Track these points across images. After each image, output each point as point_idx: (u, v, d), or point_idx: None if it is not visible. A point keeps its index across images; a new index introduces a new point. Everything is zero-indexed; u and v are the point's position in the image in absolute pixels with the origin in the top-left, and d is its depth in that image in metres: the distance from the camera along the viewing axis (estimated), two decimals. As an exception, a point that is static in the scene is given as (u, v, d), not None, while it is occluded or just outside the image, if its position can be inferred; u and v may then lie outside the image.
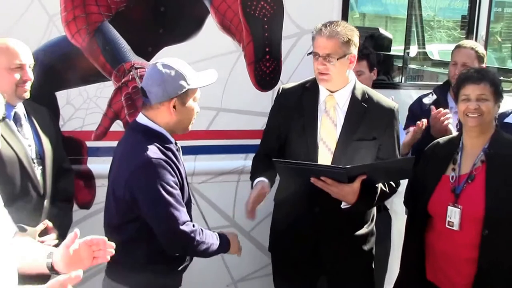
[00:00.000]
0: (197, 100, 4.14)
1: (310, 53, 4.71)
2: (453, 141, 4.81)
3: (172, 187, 3.97)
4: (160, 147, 4.03)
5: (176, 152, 4.16)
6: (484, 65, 5.80)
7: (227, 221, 5.77)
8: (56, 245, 4.46)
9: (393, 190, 4.81)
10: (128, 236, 4.06)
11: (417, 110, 5.63)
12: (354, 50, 4.68)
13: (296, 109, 4.83)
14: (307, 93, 4.84)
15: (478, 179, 4.55)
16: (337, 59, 4.59)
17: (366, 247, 4.98)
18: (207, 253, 4.22)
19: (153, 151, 3.97)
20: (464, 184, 4.58)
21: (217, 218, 5.72)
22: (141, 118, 4.13)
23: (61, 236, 4.56)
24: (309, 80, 4.88)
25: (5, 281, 3.12)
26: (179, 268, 4.29)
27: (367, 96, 4.79)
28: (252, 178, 4.86)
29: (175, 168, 4.04)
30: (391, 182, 4.76)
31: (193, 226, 4.08)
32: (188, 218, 4.06)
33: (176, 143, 4.20)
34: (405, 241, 5.07)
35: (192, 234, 4.03)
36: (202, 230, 4.16)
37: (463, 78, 4.69)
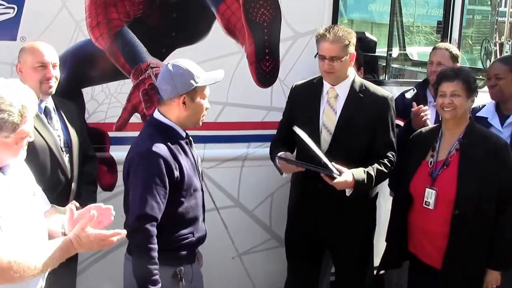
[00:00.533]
0: (207, 97, 4.12)
1: (316, 55, 4.89)
2: (434, 130, 4.88)
3: (154, 181, 3.87)
4: (167, 140, 3.99)
5: (185, 146, 4.12)
6: (458, 64, 5.82)
7: (232, 202, 5.77)
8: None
9: (390, 171, 4.87)
10: None
11: (400, 103, 5.64)
12: (353, 49, 4.85)
13: (303, 101, 5.04)
14: (313, 87, 5.02)
15: (452, 165, 4.62)
16: (341, 60, 4.75)
17: (366, 221, 5.08)
18: (140, 269, 3.87)
19: (154, 143, 3.94)
20: (440, 169, 4.65)
21: (224, 198, 5.70)
22: (156, 113, 4.13)
23: (87, 214, 4.63)
24: (316, 77, 5.08)
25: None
26: (188, 246, 4.19)
27: (364, 88, 4.94)
28: (273, 155, 4.98)
29: (172, 163, 3.95)
30: (387, 163, 4.83)
31: (153, 230, 3.85)
32: (156, 216, 3.87)
33: (187, 137, 4.17)
34: (391, 218, 5.14)
35: (145, 233, 3.84)
36: (155, 252, 3.86)
37: (441, 76, 4.76)
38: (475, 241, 4.56)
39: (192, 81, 3.98)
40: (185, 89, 3.98)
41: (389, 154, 4.88)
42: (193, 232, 4.19)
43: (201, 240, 4.31)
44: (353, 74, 4.99)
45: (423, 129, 5.02)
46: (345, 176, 4.55)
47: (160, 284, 3.87)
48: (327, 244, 5.15)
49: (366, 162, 4.79)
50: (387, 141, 4.92)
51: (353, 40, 4.85)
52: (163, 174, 3.90)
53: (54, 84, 4.57)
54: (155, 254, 3.87)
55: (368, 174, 4.69)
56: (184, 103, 4.00)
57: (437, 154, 4.72)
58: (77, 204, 4.54)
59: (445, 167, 4.64)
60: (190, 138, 4.23)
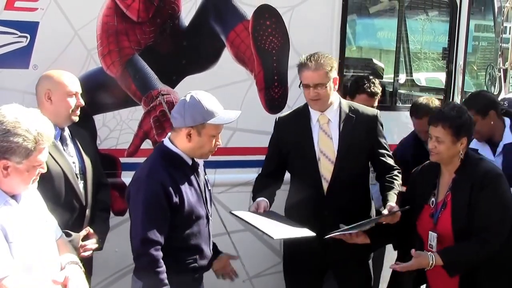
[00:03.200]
0: (218, 135, 4.07)
1: (300, 84, 4.80)
2: (435, 166, 4.63)
3: (154, 205, 3.85)
4: (169, 167, 3.96)
5: (189, 173, 4.08)
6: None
7: (243, 226, 5.71)
8: (96, 249, 4.56)
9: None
10: None
11: (400, 149, 5.67)
12: (335, 74, 4.81)
13: (293, 132, 4.93)
14: (300, 117, 4.94)
15: (448, 206, 4.43)
16: (325, 86, 4.70)
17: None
18: None
19: (154, 168, 3.94)
20: (440, 211, 4.45)
21: (234, 223, 5.60)
22: (166, 139, 4.11)
23: (101, 240, 4.63)
24: (299, 107, 5.04)
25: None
26: (190, 271, 4.14)
27: (353, 108, 4.91)
28: (254, 197, 4.92)
29: (171, 188, 3.90)
30: (398, 174, 4.86)
31: (158, 254, 3.83)
32: (158, 240, 3.83)
33: (193, 164, 4.12)
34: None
35: (150, 257, 3.81)
36: (163, 274, 3.84)
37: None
38: (488, 278, 4.38)
39: (201, 117, 3.93)
40: (191, 123, 3.94)
41: (393, 164, 4.92)
42: (196, 258, 4.13)
43: (204, 268, 4.25)
44: (338, 98, 4.93)
45: (426, 163, 4.74)
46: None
47: None
48: (330, 263, 5.01)
49: (379, 179, 4.88)
50: (387, 153, 4.94)
51: (335, 65, 4.82)
52: (161, 198, 3.86)
53: (79, 112, 4.60)
54: (164, 276, 3.84)
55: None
56: (189, 135, 3.96)
57: (437, 194, 4.54)
58: (91, 230, 4.55)
59: (443, 209, 4.44)
60: (198, 165, 4.18)
